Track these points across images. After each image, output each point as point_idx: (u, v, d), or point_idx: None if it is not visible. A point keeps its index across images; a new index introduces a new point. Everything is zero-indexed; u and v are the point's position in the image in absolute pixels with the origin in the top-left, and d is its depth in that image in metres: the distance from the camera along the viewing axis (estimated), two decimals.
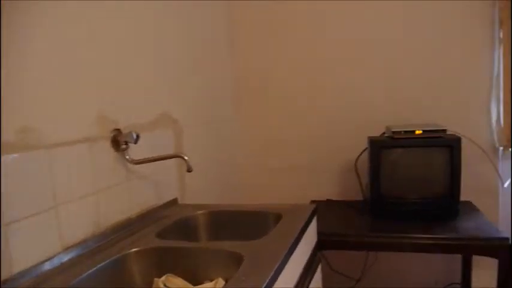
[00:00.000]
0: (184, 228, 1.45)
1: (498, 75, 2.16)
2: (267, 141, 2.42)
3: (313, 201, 2.21)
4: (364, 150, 2.11)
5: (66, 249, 1.10)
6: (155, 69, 1.59)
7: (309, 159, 2.37)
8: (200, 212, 1.53)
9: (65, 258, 1.08)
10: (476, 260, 2.12)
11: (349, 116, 2.30)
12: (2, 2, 0.91)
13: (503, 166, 2.21)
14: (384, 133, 2.07)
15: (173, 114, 1.70)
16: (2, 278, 0.91)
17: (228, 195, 2.23)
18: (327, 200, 2.28)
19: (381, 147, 1.96)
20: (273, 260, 1.02)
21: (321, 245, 1.73)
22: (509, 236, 1.69)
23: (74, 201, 1.14)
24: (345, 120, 2.31)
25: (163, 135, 1.64)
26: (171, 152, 1.65)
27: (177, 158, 1.53)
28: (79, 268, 1.04)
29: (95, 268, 1.05)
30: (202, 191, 1.93)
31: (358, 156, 2.17)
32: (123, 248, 1.17)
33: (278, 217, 1.41)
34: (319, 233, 1.69)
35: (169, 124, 1.68)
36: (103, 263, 1.08)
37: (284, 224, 1.35)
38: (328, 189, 2.34)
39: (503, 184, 2.21)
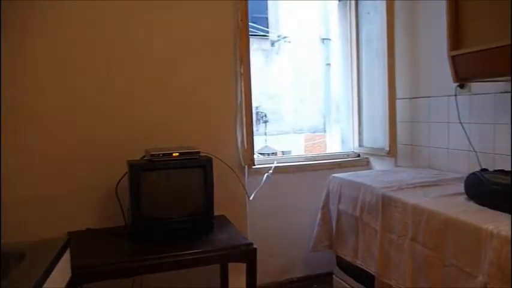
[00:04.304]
0: None
1: (241, 102, 2.51)
2: (14, 170, 2.10)
3: (70, 233, 2.03)
4: (124, 175, 2.09)
5: None
6: None
7: (67, 188, 2.18)
8: None
9: None
10: (233, 266, 2.36)
11: (107, 141, 2.25)
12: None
13: (249, 181, 2.58)
14: (144, 156, 2.10)
15: None
16: None
17: None
18: (87, 229, 2.14)
19: (140, 170, 1.98)
20: None
21: (79, 278, 1.61)
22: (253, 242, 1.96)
23: None
24: (103, 145, 2.24)
25: None
26: None
27: None
28: None
29: None
30: None
31: (119, 181, 2.14)
32: None
33: (21, 257, 1.25)
34: (76, 266, 1.57)
35: None
36: None
37: (27, 263, 1.20)
38: (88, 218, 2.19)
39: (249, 197, 2.56)
